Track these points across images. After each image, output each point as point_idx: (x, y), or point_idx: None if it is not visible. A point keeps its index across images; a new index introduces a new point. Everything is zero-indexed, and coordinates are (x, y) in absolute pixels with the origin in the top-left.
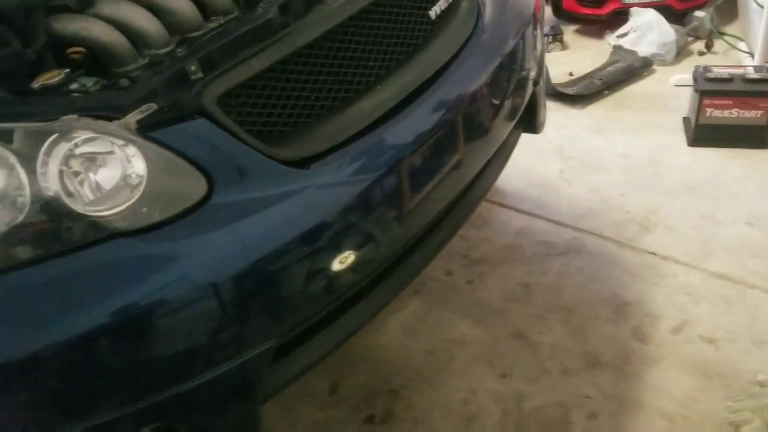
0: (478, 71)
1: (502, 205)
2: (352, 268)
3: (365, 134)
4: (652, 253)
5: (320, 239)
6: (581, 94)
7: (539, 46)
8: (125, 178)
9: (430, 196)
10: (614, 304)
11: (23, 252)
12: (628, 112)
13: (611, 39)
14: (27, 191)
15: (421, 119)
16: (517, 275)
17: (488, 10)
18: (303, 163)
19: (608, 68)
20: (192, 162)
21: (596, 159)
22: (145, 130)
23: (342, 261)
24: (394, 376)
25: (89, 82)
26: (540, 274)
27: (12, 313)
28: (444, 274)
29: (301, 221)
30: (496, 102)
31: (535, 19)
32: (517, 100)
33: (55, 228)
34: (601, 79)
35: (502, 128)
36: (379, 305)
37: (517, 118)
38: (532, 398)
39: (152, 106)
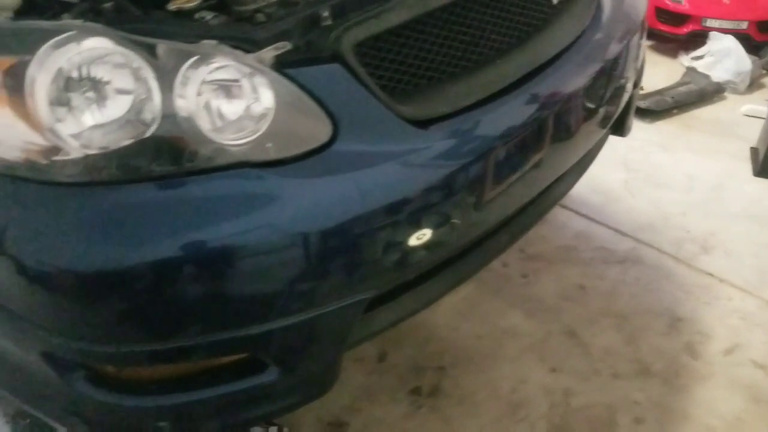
0: (589, 66)
1: (562, 206)
2: (447, 237)
3: (482, 105)
4: (709, 274)
5: (426, 202)
6: (652, 109)
7: (642, 54)
8: (254, 110)
9: (527, 179)
10: (668, 317)
11: (146, 167)
12: (695, 133)
13: (685, 60)
14: (159, 107)
15: (533, 101)
16: (573, 276)
17: (606, 9)
18: (423, 123)
19: (680, 88)
20: (320, 104)
21: (661, 175)
22: (279, 67)
23: (440, 227)
24: (443, 354)
25: (208, 15)
26: (596, 279)
27: (123, 225)
28: (500, 265)
29: (414, 181)
30: (597, 103)
31: (643, 27)
32: (614, 105)
33: (182, 148)
34: (672, 98)
35: (597, 130)
36: (460, 279)
37: (612, 121)
38: (580, 396)
39: (287, 44)
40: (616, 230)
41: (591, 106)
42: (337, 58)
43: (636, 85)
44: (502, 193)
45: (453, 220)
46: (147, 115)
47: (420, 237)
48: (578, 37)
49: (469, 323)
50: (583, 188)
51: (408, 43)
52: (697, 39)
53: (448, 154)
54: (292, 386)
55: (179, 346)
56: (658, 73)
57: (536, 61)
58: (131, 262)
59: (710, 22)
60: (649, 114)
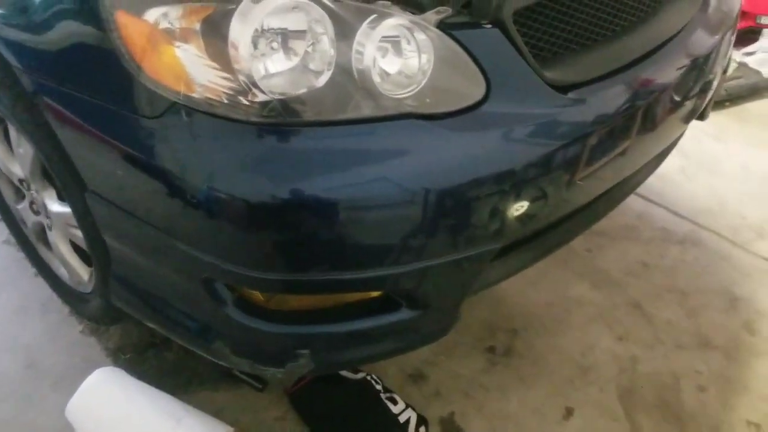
0: (695, 50)
1: None
2: (564, 200)
3: (609, 77)
4: (765, 259)
5: (557, 163)
6: None
7: (731, 50)
8: (417, 65)
9: (636, 150)
10: (726, 296)
11: (321, 113)
12: (748, 126)
13: (737, 55)
14: (334, 59)
15: (661, 72)
16: (636, 253)
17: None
18: (563, 89)
19: (731, 82)
20: (478, 65)
21: (716, 163)
22: (444, 28)
23: (562, 189)
24: (514, 318)
25: None
26: (658, 257)
27: (293, 165)
28: None
29: (549, 143)
30: (694, 89)
31: (736, 22)
32: (705, 94)
33: (355, 97)
34: (726, 90)
35: (690, 114)
36: (558, 244)
37: (698, 113)
38: (646, 363)
39: (448, 9)
40: (675, 213)
41: (690, 92)
42: (497, 23)
43: (724, 72)
44: (609, 164)
45: (575, 183)
46: (325, 66)
47: (542, 198)
48: (686, 24)
49: (539, 291)
50: None
51: (560, 12)
52: (751, 35)
53: (583, 118)
54: (420, 326)
55: (326, 278)
56: None
57: (656, 40)
58: (299, 197)
59: (764, 20)
60: None
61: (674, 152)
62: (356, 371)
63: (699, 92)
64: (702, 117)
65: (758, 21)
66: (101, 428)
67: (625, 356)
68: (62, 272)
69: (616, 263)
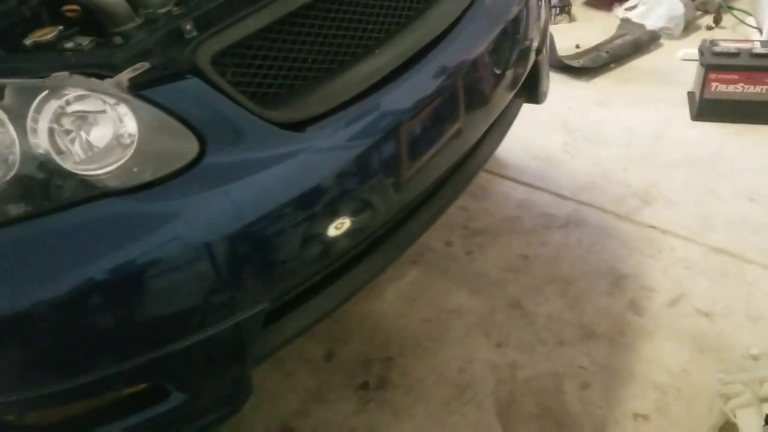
0: (480, 38)
1: (503, 177)
2: (347, 234)
3: (363, 98)
4: (652, 227)
5: (315, 204)
6: (587, 66)
7: (543, 15)
8: (117, 137)
9: (427, 164)
10: (611, 276)
11: (13, 208)
12: (633, 85)
13: (619, 12)
14: (17, 148)
15: (419, 85)
16: (517, 247)
17: None
18: (299, 126)
19: (615, 41)
20: (183, 122)
21: (600, 132)
22: (138, 89)
23: (337, 227)
24: (390, 344)
25: (84, 41)
26: (539, 246)
27: (1, 269)
28: (443, 245)
29: (295, 185)
30: (496, 70)
31: None
32: (518, 70)
33: (45, 185)
34: (608, 52)
35: (502, 97)
36: (373, 273)
37: (518, 87)
38: (526, 368)
39: (145, 65)
40: (558, 194)
41: (489, 75)
42: (194, 71)
43: (540, 49)
44: (403, 180)
45: (349, 217)
46: (9, 157)
47: (314, 238)
48: (466, 9)
49: (416, 308)
50: (524, 155)
51: (274, 47)
52: None
53: (333, 151)
54: (201, 409)
55: (70, 387)
56: (594, 28)
57: (421, 41)
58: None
59: None
60: (586, 72)
61: (556, 129)
62: None
63: (505, 70)
64: (535, 99)
65: None
66: None
67: (504, 364)
68: None
69: (496, 262)
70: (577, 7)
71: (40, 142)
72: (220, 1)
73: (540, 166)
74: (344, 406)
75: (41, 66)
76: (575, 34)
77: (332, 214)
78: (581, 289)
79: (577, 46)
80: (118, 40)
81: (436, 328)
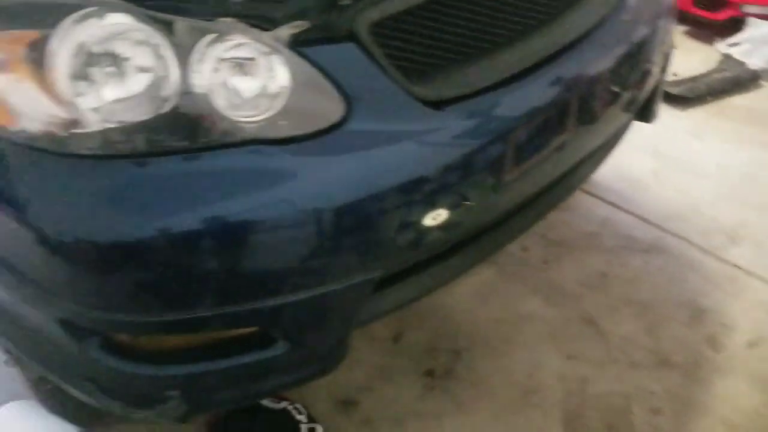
0: (612, 50)
1: (587, 193)
2: (459, 219)
3: (497, 89)
4: (736, 266)
5: (439, 182)
6: (685, 95)
7: (669, 36)
8: (269, 87)
9: (542, 165)
10: (691, 308)
11: (164, 141)
12: (729, 122)
13: (721, 46)
14: (176, 84)
15: (549, 86)
16: (595, 263)
17: None
18: (438, 104)
19: (714, 75)
20: (335, 83)
21: (691, 163)
22: (295, 46)
23: (452, 209)
24: (458, 337)
25: None
26: (618, 266)
27: (139, 198)
28: (520, 250)
29: (428, 162)
30: (621, 87)
31: (672, 11)
32: (642, 89)
33: (197, 124)
34: (706, 85)
35: (621, 115)
36: (467, 266)
37: (635, 108)
38: (596, 384)
39: (305, 23)
40: (643, 218)
41: (614, 89)
42: (352, 37)
43: (663, 70)
44: (519, 177)
45: (467, 202)
46: (164, 91)
47: (431, 218)
48: (604, 18)
49: (488, 307)
50: (610, 175)
51: (425, 23)
52: (735, 25)
53: (463, 135)
54: (300, 361)
55: (189, 317)
56: (693, 59)
57: (559, 42)
58: (145, 235)
59: (749, 8)
60: (682, 101)
61: (647, 153)
62: (280, 399)
63: (628, 89)
64: (647, 118)
65: (742, 10)
66: None
67: (574, 377)
68: None
69: (572, 275)
70: (678, 35)
71: (202, 82)
72: None
73: (626, 188)
74: (408, 388)
75: (207, 9)
76: (673, 61)
77: (451, 197)
78: (659, 316)
79: (674, 74)
80: None
81: (507, 330)
